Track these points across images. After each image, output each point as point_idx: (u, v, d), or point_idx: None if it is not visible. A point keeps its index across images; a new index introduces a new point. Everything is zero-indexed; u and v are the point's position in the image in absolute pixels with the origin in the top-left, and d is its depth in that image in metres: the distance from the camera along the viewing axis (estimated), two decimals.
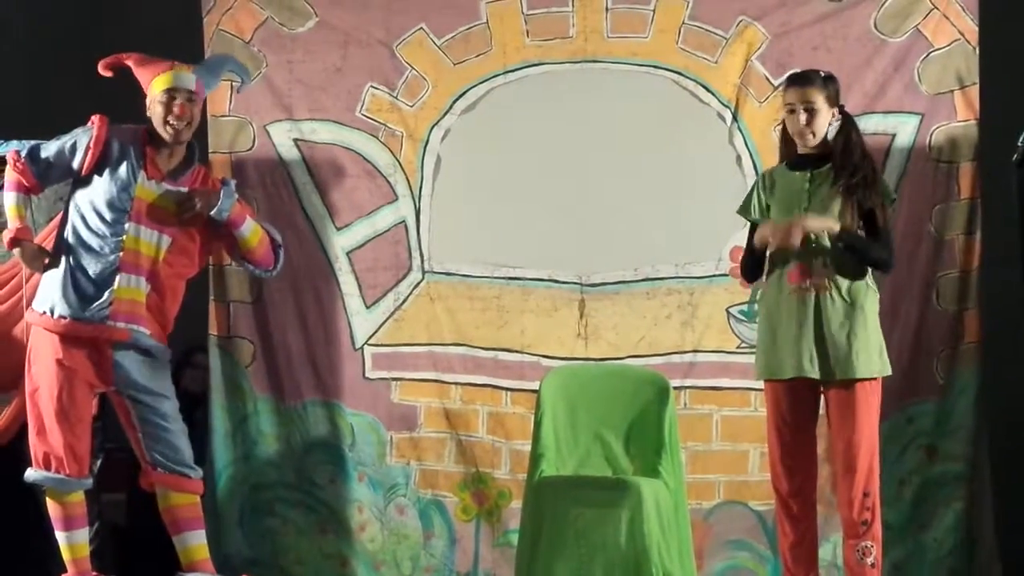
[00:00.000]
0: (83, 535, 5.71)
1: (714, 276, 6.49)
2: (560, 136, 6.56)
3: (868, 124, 6.35)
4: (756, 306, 6.06)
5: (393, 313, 6.62)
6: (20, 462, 6.01)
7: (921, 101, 6.43)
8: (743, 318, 6.46)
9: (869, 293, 5.53)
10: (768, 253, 5.56)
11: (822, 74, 5.59)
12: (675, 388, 6.14)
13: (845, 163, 5.52)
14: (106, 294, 5.56)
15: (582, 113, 6.56)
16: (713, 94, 6.53)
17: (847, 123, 5.61)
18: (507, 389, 6.55)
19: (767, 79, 6.50)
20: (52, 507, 5.67)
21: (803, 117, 5.49)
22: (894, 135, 6.43)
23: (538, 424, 6.01)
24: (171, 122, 5.56)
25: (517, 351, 6.55)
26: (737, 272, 6.40)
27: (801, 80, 5.56)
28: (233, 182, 5.67)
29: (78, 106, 6.79)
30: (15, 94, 6.97)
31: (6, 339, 6.07)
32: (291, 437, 6.58)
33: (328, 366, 6.59)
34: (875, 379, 5.50)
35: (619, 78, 6.56)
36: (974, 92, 6.40)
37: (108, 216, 5.58)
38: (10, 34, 7.04)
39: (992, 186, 6.40)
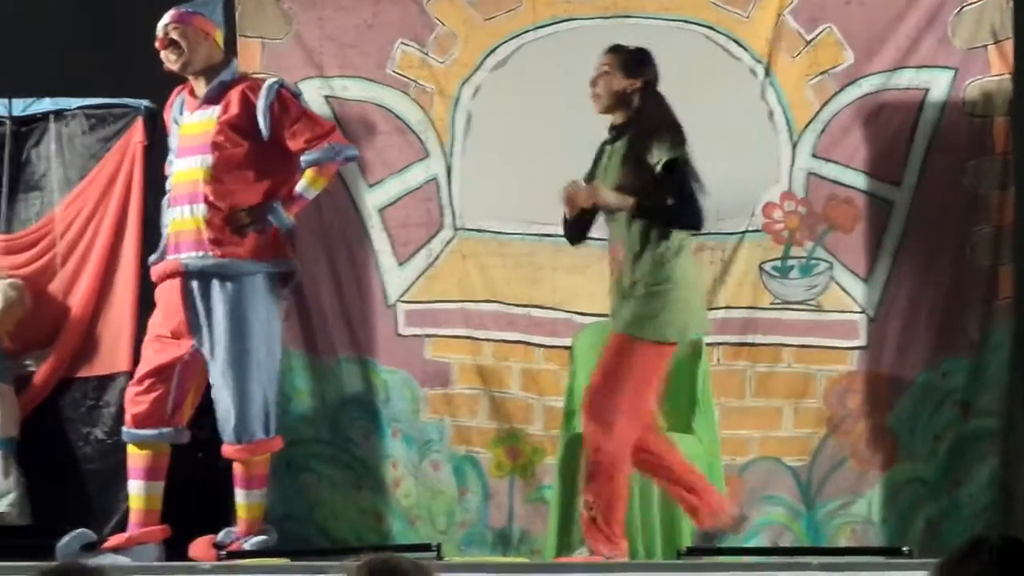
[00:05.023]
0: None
1: (747, 232, 6.46)
2: (591, 92, 6.52)
3: (901, 79, 6.33)
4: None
5: (425, 270, 6.60)
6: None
7: (955, 55, 6.39)
8: (776, 274, 6.44)
9: None
10: None
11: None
12: (708, 344, 6.13)
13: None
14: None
15: None
16: (745, 49, 6.50)
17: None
18: (540, 346, 6.53)
19: (799, 34, 6.46)
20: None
21: None
22: (927, 90, 6.39)
23: (571, 380, 6.02)
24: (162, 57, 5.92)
25: (550, 308, 6.54)
26: (771, 227, 6.43)
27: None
28: (277, 205, 5.85)
29: (101, 64, 6.80)
30: (40, 52, 6.95)
31: (41, 297, 6.10)
32: (325, 393, 6.57)
33: (361, 322, 6.57)
34: None
35: (650, 33, 6.51)
36: (1008, 46, 6.36)
37: None
38: None
39: None
